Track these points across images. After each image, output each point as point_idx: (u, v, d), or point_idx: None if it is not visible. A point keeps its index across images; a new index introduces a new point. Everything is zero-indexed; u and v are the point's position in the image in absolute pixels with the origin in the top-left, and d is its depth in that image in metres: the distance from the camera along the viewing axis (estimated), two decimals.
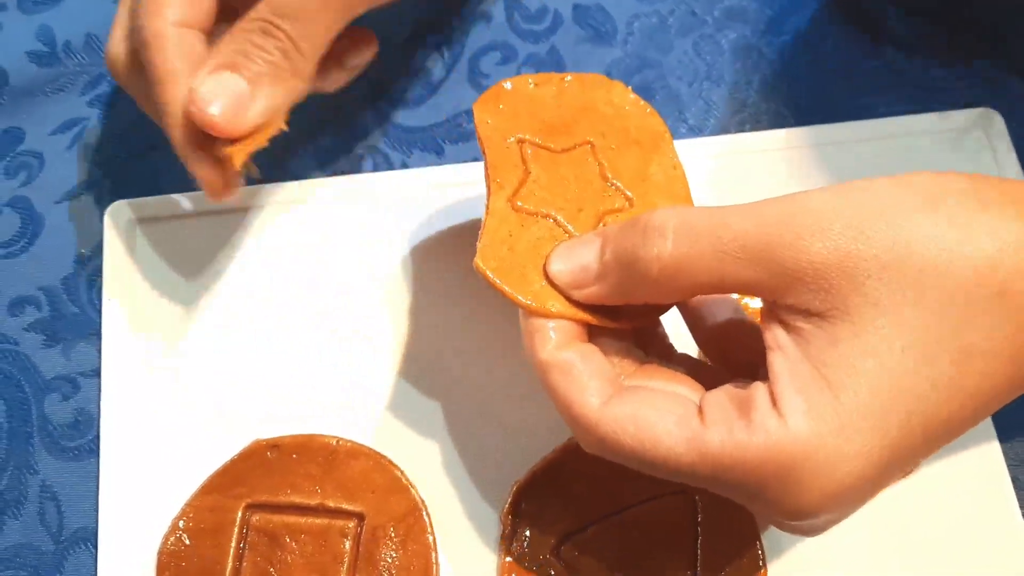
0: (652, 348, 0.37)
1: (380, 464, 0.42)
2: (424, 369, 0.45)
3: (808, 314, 0.30)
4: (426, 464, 0.43)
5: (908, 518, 0.43)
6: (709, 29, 0.54)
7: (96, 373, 0.46)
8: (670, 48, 0.53)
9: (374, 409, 0.44)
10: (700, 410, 0.31)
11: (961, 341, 0.29)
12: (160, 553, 0.41)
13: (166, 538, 0.41)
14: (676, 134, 0.51)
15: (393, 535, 0.41)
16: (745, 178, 0.49)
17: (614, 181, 0.38)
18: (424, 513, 0.41)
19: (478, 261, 0.35)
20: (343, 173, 0.50)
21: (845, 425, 0.29)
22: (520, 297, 0.34)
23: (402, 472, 0.42)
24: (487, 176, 0.38)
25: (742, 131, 0.51)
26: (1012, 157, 0.49)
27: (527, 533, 0.41)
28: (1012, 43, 0.53)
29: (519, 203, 0.37)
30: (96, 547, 0.42)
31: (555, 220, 0.37)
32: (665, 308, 0.36)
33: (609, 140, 0.39)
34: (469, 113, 0.52)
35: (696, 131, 0.51)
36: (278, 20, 0.39)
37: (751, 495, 0.31)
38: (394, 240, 0.48)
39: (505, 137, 0.39)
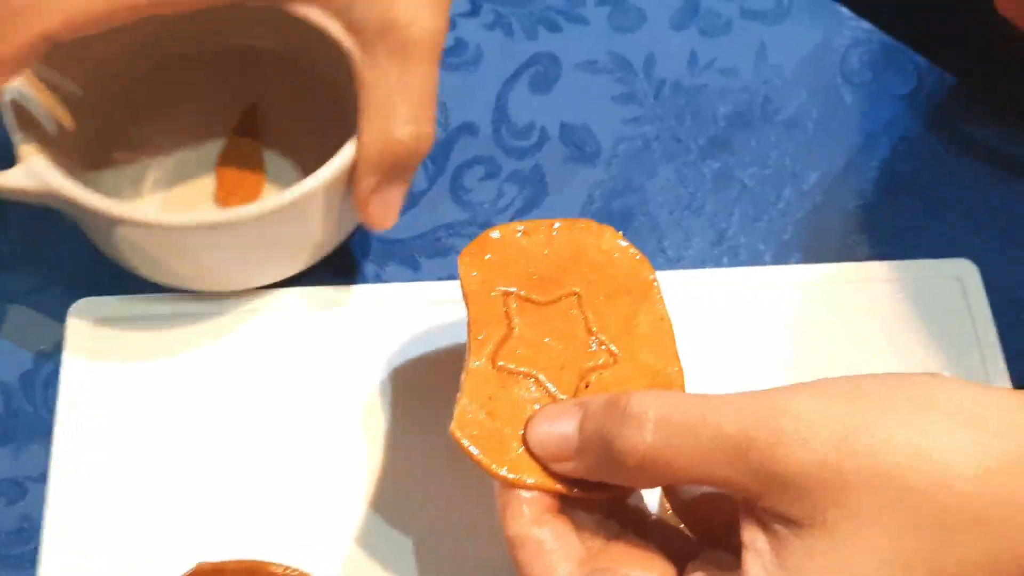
0: (625, 516, 0.36)
1: None
2: (388, 499, 0.44)
3: (786, 520, 0.30)
4: None
5: None
6: (692, 157, 0.54)
7: (43, 478, 0.44)
8: (653, 173, 0.53)
9: (329, 538, 0.43)
10: None
11: (937, 559, 0.29)
12: None
13: None
14: (654, 263, 0.50)
15: None
16: (721, 312, 0.49)
17: (599, 335, 0.37)
18: None
19: (455, 430, 0.34)
20: (313, 283, 0.49)
21: None
22: (497, 469, 0.34)
23: None
24: (469, 331, 0.37)
25: (719, 265, 0.51)
26: (985, 310, 0.49)
27: None
28: (986, 194, 0.53)
29: (500, 362, 0.36)
30: None
31: (536, 380, 0.36)
32: None
33: (598, 289, 0.38)
34: (448, 227, 0.51)
35: (674, 262, 0.51)
36: None
37: None
38: (364, 358, 0.47)
39: (490, 290, 0.38)
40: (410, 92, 0.40)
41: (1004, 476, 0.29)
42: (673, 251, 0.51)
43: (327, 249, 0.48)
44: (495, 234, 0.39)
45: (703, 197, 0.53)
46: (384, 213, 0.43)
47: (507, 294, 0.38)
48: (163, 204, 0.50)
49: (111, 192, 0.47)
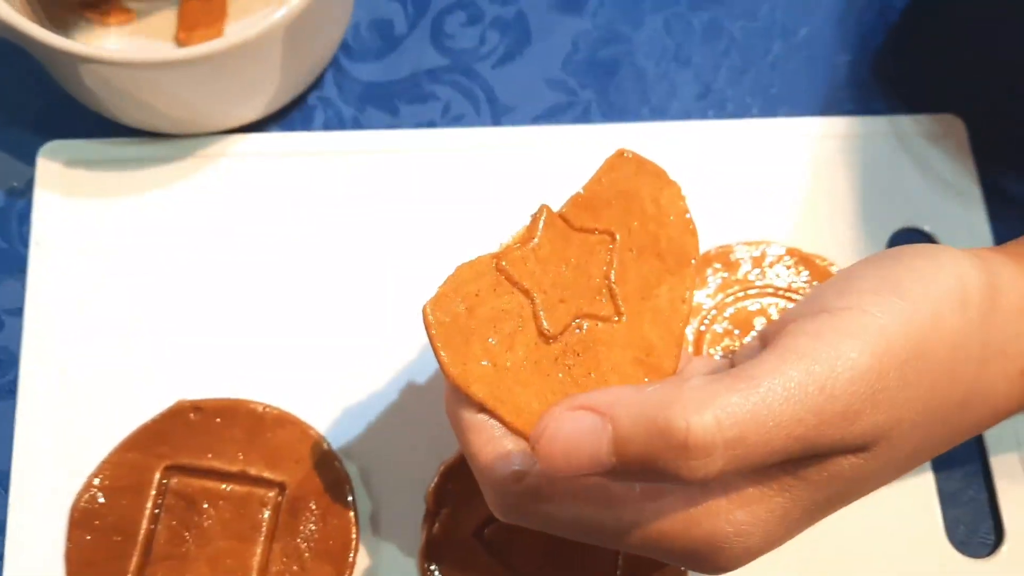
0: None
1: (307, 434, 0.41)
2: (361, 341, 0.44)
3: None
4: (356, 438, 0.42)
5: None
6: (682, 7, 0.53)
7: (20, 312, 0.44)
8: (640, 23, 0.52)
9: (305, 378, 0.43)
10: None
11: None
12: (73, 509, 0.40)
13: (80, 494, 0.40)
14: (638, 115, 0.50)
15: (314, 508, 0.40)
16: (703, 166, 0.48)
17: (614, 285, 0.34)
18: (348, 487, 0.41)
19: (428, 308, 0.32)
20: (291, 123, 0.48)
21: (781, 516, 0.30)
22: (450, 367, 0.31)
23: (329, 444, 0.42)
24: None
25: (705, 117, 0.50)
26: (971, 165, 0.49)
27: (450, 513, 0.41)
28: (984, 50, 0.52)
29: (504, 263, 0.33)
30: (8, 491, 0.41)
31: (531, 300, 0.33)
32: None
33: (633, 239, 0.35)
34: (429, 73, 0.50)
35: (658, 113, 0.50)
36: None
37: (678, 559, 0.31)
38: (342, 204, 0.46)
39: None
40: None
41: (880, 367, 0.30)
42: (657, 102, 0.51)
43: (294, 91, 0.47)
44: None
45: (690, 49, 0.52)
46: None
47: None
48: (125, 43, 0.49)
49: (74, 31, 0.46)
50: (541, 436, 0.28)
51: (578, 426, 0.28)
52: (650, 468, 0.28)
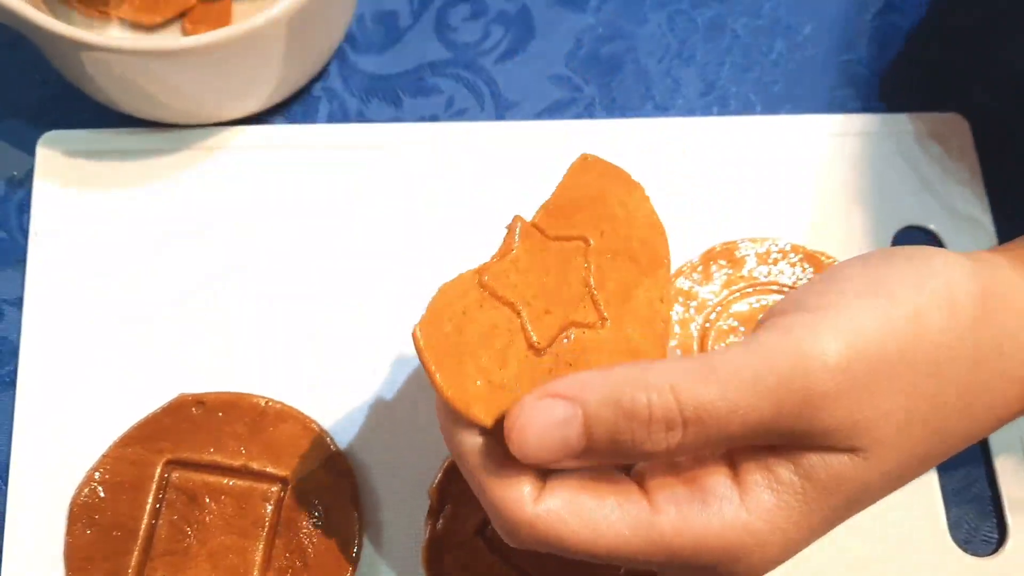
0: None
1: (310, 429, 0.41)
2: (364, 335, 0.44)
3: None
4: (359, 433, 0.42)
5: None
6: (685, 5, 0.52)
7: (20, 303, 0.44)
8: (643, 20, 0.52)
9: (308, 373, 0.43)
10: (640, 487, 0.31)
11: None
12: (73, 504, 0.40)
13: (80, 489, 0.40)
14: (642, 111, 0.50)
15: (317, 503, 0.40)
16: (707, 163, 0.48)
17: (595, 291, 0.34)
18: (351, 483, 0.40)
19: (418, 331, 0.30)
20: (295, 114, 0.48)
21: (798, 521, 0.31)
22: (446, 390, 0.30)
23: (332, 439, 0.41)
24: None
25: (708, 114, 0.50)
26: (975, 164, 0.49)
27: (454, 510, 0.40)
28: (984, 49, 0.52)
29: (486, 278, 0.32)
30: (7, 484, 0.41)
31: (518, 314, 0.32)
32: None
33: (608, 243, 0.35)
34: (432, 66, 0.50)
35: (662, 110, 0.50)
36: None
37: (690, 572, 0.31)
38: (345, 197, 0.46)
39: None
40: None
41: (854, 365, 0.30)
42: (661, 99, 0.50)
43: (298, 82, 0.47)
44: None
45: (694, 46, 0.52)
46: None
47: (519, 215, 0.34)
48: (128, 32, 0.48)
49: (78, 21, 0.46)
50: (513, 427, 0.30)
51: (549, 414, 0.30)
52: (616, 445, 0.30)
